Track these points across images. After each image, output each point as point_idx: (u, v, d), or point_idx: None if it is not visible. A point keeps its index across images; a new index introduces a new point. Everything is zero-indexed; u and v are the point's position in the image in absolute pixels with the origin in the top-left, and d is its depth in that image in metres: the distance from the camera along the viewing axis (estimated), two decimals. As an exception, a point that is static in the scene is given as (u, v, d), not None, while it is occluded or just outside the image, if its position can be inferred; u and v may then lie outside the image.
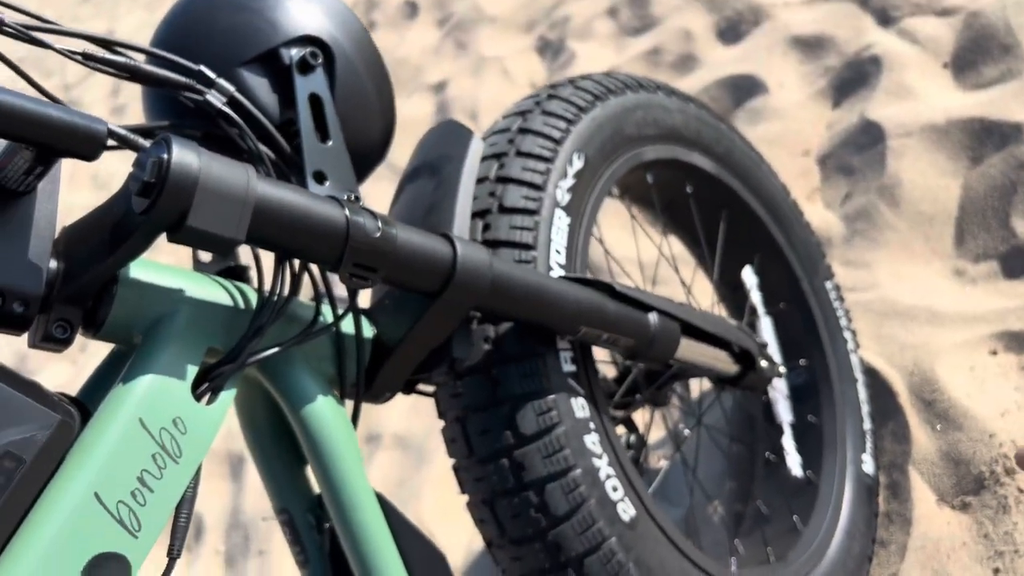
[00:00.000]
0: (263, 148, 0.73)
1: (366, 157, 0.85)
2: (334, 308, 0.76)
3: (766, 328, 1.35)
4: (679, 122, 1.19)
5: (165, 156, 0.57)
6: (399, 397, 2.12)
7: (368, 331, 0.80)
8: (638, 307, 0.93)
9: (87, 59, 0.65)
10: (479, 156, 0.93)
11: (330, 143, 0.77)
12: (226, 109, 0.70)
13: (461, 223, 0.87)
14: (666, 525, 0.94)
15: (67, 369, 3.10)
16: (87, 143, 0.56)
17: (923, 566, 1.22)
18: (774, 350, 1.33)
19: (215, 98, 0.70)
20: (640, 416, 1.42)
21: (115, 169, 4.08)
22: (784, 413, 1.32)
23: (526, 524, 0.86)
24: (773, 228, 1.34)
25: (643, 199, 1.29)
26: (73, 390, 0.70)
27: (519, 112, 1.03)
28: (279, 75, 0.78)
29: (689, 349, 1.00)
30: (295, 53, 0.78)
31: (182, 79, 0.69)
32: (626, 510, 0.89)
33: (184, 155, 0.58)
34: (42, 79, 5.35)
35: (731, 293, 1.41)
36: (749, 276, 1.35)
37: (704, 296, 1.64)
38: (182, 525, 0.64)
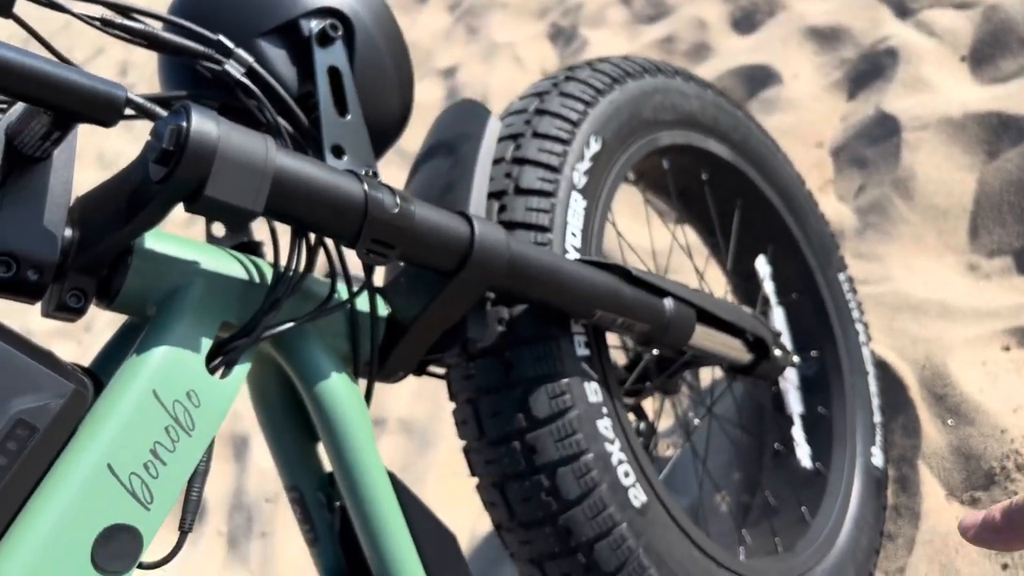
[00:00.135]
0: (281, 121, 0.72)
1: (383, 133, 0.84)
2: (349, 285, 0.76)
3: (778, 318, 1.34)
4: (696, 108, 1.18)
5: (184, 124, 0.56)
6: (404, 381, 2.11)
7: (382, 310, 0.79)
8: (654, 292, 0.93)
9: (105, 25, 0.64)
10: (496, 136, 0.92)
11: (348, 117, 0.76)
12: (244, 80, 0.69)
13: (477, 203, 0.87)
14: (676, 512, 0.93)
15: (72, 349, 3.10)
16: (105, 109, 0.55)
17: (931, 560, 1.21)
18: (786, 340, 1.32)
19: (233, 68, 0.69)
20: (649, 405, 1.41)
21: (121, 148, 4.07)
22: (794, 404, 1.31)
23: (536, 507, 0.86)
24: (788, 218, 1.33)
25: (658, 185, 1.28)
26: (81, 367, 0.69)
27: (536, 93, 1.02)
28: (298, 47, 0.77)
29: (703, 336, 1.00)
30: (315, 25, 0.77)
31: (200, 48, 0.68)
32: (637, 496, 0.89)
33: (203, 123, 0.57)
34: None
35: (743, 283, 1.40)
36: (762, 266, 1.34)
37: (716, 286, 1.63)
38: (194, 499, 0.64)
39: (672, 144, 1.13)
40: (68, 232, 0.60)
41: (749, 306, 1.39)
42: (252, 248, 0.80)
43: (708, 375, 1.60)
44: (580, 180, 0.96)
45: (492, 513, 0.91)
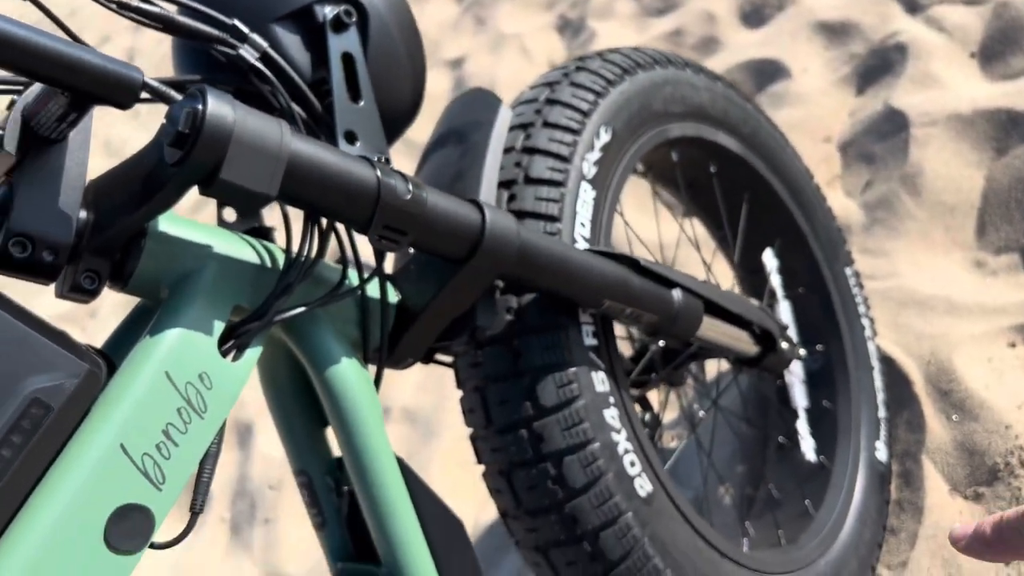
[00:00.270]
0: (294, 106, 0.72)
1: (395, 121, 0.85)
2: (360, 271, 0.76)
3: (784, 312, 1.34)
4: (706, 100, 1.18)
5: (200, 107, 0.57)
6: (409, 372, 2.12)
7: (392, 297, 0.79)
8: (662, 283, 0.93)
9: (121, 7, 0.64)
10: (507, 125, 0.92)
11: (361, 103, 0.76)
12: (259, 65, 0.70)
13: (488, 191, 0.87)
14: (681, 502, 0.94)
15: (76, 335, 3.11)
16: (122, 91, 0.56)
17: (933, 555, 1.22)
18: (792, 334, 1.33)
19: (248, 53, 0.70)
20: (655, 397, 1.41)
21: (128, 135, 4.08)
22: (799, 398, 1.32)
23: (543, 496, 0.86)
24: (795, 212, 1.33)
25: (667, 177, 1.28)
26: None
27: (547, 83, 1.02)
28: (312, 33, 0.77)
29: (711, 328, 1.00)
30: (329, 11, 0.77)
31: (215, 32, 0.68)
32: (643, 485, 0.89)
33: (219, 107, 0.57)
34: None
35: (750, 276, 1.40)
36: (769, 259, 1.34)
37: (723, 279, 1.64)
38: (205, 480, 0.64)
39: (682, 136, 1.13)
40: (83, 214, 0.61)
41: (756, 299, 1.39)
42: (263, 234, 0.80)
43: (713, 368, 1.61)
44: (590, 170, 0.96)
45: (498, 501, 0.91)
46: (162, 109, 4.06)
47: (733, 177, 1.28)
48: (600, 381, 0.89)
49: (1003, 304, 1.42)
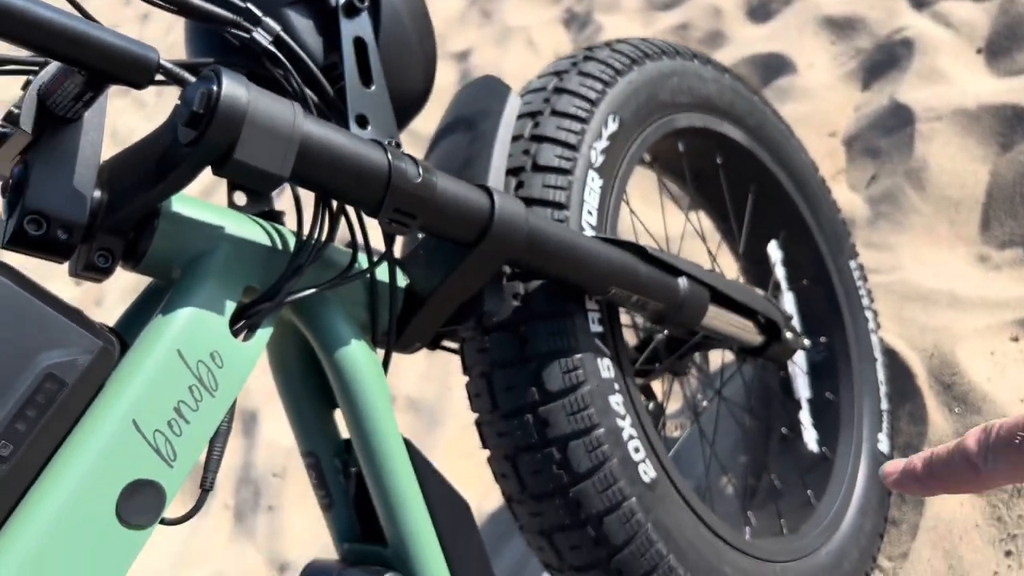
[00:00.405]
0: (306, 90, 0.73)
1: (405, 106, 0.85)
2: (369, 255, 0.76)
3: (789, 304, 1.35)
4: (713, 91, 1.18)
5: (215, 88, 0.57)
6: (413, 361, 2.13)
7: (401, 281, 0.80)
8: (668, 271, 0.94)
9: (137, -10, 0.65)
10: (516, 112, 0.93)
11: (373, 88, 0.77)
12: (272, 48, 0.70)
13: (496, 178, 0.87)
14: (684, 489, 0.94)
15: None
16: (138, 70, 0.56)
17: (934, 546, 1.22)
18: (796, 326, 1.33)
19: (261, 37, 0.70)
20: (658, 387, 1.42)
21: (135, 125, 4.08)
22: (802, 389, 1.32)
23: (547, 480, 0.87)
24: (801, 204, 1.33)
25: (673, 168, 1.28)
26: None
27: (555, 72, 1.03)
28: (324, 17, 0.77)
29: (716, 316, 1.01)
30: None
31: (229, 15, 0.69)
32: (647, 471, 0.90)
33: (234, 88, 0.58)
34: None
35: (755, 268, 1.41)
36: (774, 251, 1.35)
37: (728, 271, 1.64)
38: (215, 458, 0.65)
39: (688, 126, 1.14)
40: (97, 193, 0.61)
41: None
42: (274, 217, 0.81)
43: (717, 358, 1.61)
44: (597, 159, 0.97)
45: (503, 485, 0.92)
46: (169, 102, 4.07)
47: (739, 169, 1.28)
48: (606, 367, 0.90)
49: (1006, 298, 1.43)
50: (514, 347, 0.88)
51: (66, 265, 0.65)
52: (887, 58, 2.03)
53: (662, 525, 0.89)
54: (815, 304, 1.35)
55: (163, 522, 0.62)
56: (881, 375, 1.36)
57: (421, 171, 0.69)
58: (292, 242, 0.71)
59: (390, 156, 0.67)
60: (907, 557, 1.23)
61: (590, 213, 0.94)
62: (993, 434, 0.41)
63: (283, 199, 2.68)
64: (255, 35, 0.69)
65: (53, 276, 3.14)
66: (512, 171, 0.93)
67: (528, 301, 0.88)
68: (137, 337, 0.62)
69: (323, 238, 0.70)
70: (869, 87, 2.04)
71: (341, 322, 0.73)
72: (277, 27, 0.71)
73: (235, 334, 0.65)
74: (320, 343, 0.73)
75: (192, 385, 0.61)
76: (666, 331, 1.18)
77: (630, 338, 1.24)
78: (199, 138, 0.57)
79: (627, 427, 0.89)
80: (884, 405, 1.34)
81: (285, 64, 0.71)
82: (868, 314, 1.39)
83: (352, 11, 0.78)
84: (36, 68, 0.63)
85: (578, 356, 0.88)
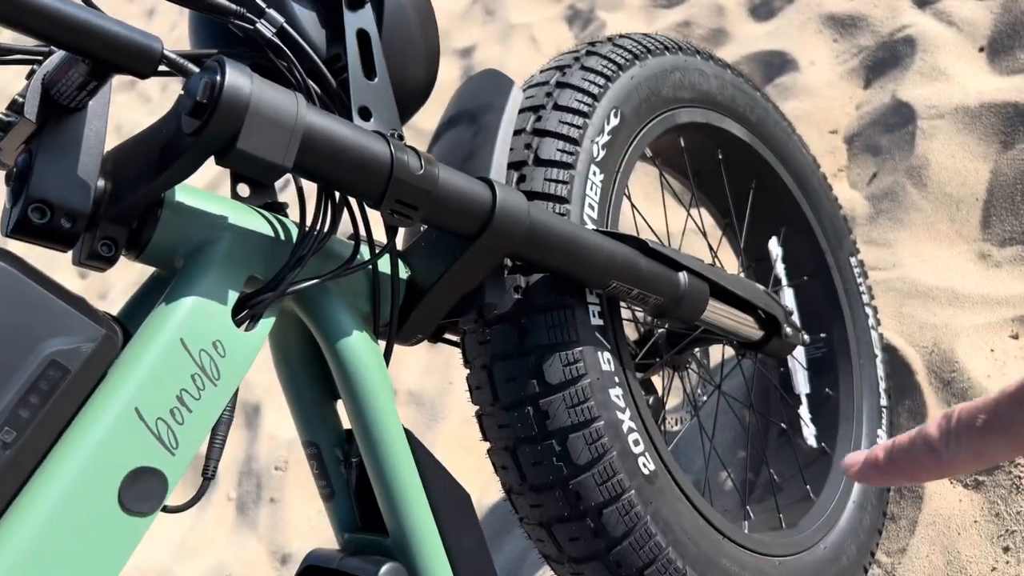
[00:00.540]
0: (310, 81, 0.73)
1: (407, 99, 0.85)
2: (371, 246, 0.77)
3: (789, 300, 1.35)
4: (715, 87, 1.19)
5: (218, 78, 0.58)
6: (414, 355, 2.13)
7: (403, 272, 0.80)
8: (669, 265, 0.94)
9: (141, -19, 0.65)
10: (519, 106, 0.93)
11: (376, 80, 0.77)
12: (275, 40, 0.71)
13: (498, 171, 0.88)
14: (684, 482, 0.95)
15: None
16: (143, 60, 0.57)
17: (933, 542, 1.23)
18: (796, 321, 1.34)
19: (265, 28, 0.70)
20: (658, 380, 1.42)
21: (138, 120, 4.09)
22: (802, 384, 1.33)
23: (547, 472, 0.87)
24: (801, 200, 1.33)
25: (674, 163, 1.28)
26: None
27: (558, 67, 1.03)
28: (328, 9, 0.78)
29: (716, 311, 1.01)
30: None
31: (233, 6, 0.69)
32: (646, 464, 0.90)
33: (237, 78, 0.58)
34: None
35: (755, 264, 1.41)
36: (775, 247, 1.35)
37: (728, 267, 1.64)
38: (217, 447, 0.66)
39: (690, 122, 1.14)
40: (101, 182, 0.62)
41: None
42: (277, 208, 0.81)
43: (717, 354, 1.62)
44: (599, 153, 0.97)
45: (503, 477, 0.93)
46: (172, 96, 4.07)
47: (740, 164, 1.28)
48: (606, 360, 0.90)
49: (1006, 296, 1.43)
50: (515, 339, 0.89)
51: (70, 255, 0.66)
52: (889, 56, 2.03)
53: (661, 518, 0.90)
54: (815, 300, 1.36)
55: (165, 510, 0.63)
56: (881, 371, 1.36)
57: (423, 163, 0.69)
58: (295, 233, 0.72)
59: (392, 148, 0.67)
60: (905, 552, 1.24)
61: (591, 207, 0.94)
62: (954, 419, 0.41)
63: (286, 192, 2.69)
64: (259, 26, 0.70)
65: (57, 268, 3.15)
66: (514, 165, 0.93)
67: (529, 294, 0.89)
68: (140, 326, 0.62)
69: (325, 229, 0.71)
70: (871, 85, 2.04)
71: (343, 313, 0.74)
72: (281, 18, 0.71)
73: (237, 324, 0.65)
74: (322, 334, 0.73)
75: (194, 374, 0.62)
76: (666, 325, 1.18)
77: (630, 332, 1.24)
78: (202, 128, 0.58)
79: (627, 420, 0.90)
80: (883, 401, 1.34)
81: (288, 55, 0.71)
82: (868, 310, 1.39)
83: (356, 3, 0.78)
84: (40, 57, 0.63)
85: (579, 349, 0.88)
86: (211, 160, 0.62)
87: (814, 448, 1.29)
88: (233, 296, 0.65)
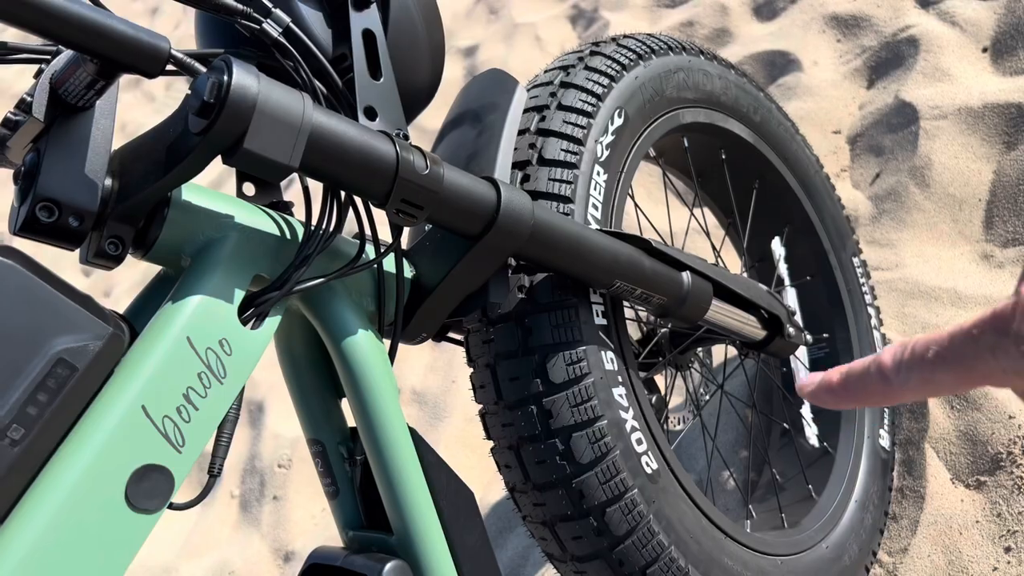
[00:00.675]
0: (315, 81, 0.73)
1: (413, 99, 0.86)
2: (377, 245, 0.77)
3: (791, 300, 1.35)
4: (719, 88, 1.19)
5: (225, 77, 0.58)
6: (418, 354, 2.14)
7: (408, 272, 0.81)
8: (673, 265, 0.94)
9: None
10: (523, 105, 0.94)
11: (381, 80, 0.78)
12: (281, 39, 0.71)
13: (502, 171, 0.88)
14: (686, 481, 0.95)
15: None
16: (150, 59, 0.57)
17: (934, 542, 1.23)
18: (799, 321, 1.34)
19: (271, 28, 0.71)
20: (661, 380, 1.42)
21: (143, 120, 4.09)
22: (805, 384, 1.32)
23: (551, 470, 0.88)
24: (804, 200, 1.34)
25: (678, 163, 1.29)
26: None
27: (562, 67, 1.03)
28: (334, 9, 0.78)
29: (719, 311, 1.01)
30: None
31: (239, 6, 0.70)
32: (649, 463, 0.91)
33: (244, 78, 0.58)
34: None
35: (758, 264, 1.41)
36: (777, 247, 1.35)
37: (731, 267, 1.64)
38: (223, 445, 0.66)
39: (693, 122, 1.14)
40: (108, 181, 0.62)
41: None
42: (283, 208, 0.82)
43: (720, 353, 1.62)
44: (603, 153, 0.97)
45: (506, 476, 0.93)
46: (178, 97, 4.08)
47: (743, 164, 1.29)
48: (609, 360, 0.90)
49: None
50: (519, 338, 0.89)
51: (76, 253, 0.66)
52: (892, 56, 2.03)
53: (664, 517, 0.90)
54: (818, 300, 1.36)
55: (171, 507, 0.63)
56: (883, 371, 1.36)
57: (428, 163, 0.69)
58: (300, 232, 0.72)
59: (398, 147, 0.68)
60: (907, 552, 1.24)
61: (595, 207, 0.95)
62: (908, 350, 0.42)
63: (291, 191, 2.69)
64: (265, 26, 0.70)
65: (62, 266, 3.16)
66: (518, 164, 0.94)
67: (533, 293, 0.89)
68: (147, 324, 0.63)
69: (331, 228, 0.71)
70: (874, 85, 2.04)
71: (348, 312, 0.74)
72: (287, 18, 0.72)
73: (244, 322, 0.66)
74: (327, 332, 0.74)
75: (201, 372, 0.62)
76: (669, 325, 1.18)
77: (633, 331, 1.25)
78: (209, 127, 0.58)
79: (630, 419, 0.90)
80: (886, 401, 1.34)
81: (295, 55, 0.71)
82: (871, 311, 1.39)
83: (361, 4, 0.78)
84: (48, 57, 0.64)
85: (582, 348, 0.88)
86: (216, 159, 0.62)
87: (816, 448, 1.30)
88: (239, 295, 0.66)
